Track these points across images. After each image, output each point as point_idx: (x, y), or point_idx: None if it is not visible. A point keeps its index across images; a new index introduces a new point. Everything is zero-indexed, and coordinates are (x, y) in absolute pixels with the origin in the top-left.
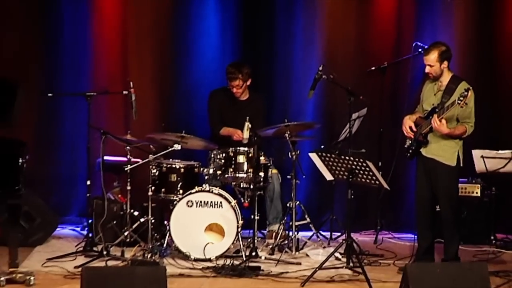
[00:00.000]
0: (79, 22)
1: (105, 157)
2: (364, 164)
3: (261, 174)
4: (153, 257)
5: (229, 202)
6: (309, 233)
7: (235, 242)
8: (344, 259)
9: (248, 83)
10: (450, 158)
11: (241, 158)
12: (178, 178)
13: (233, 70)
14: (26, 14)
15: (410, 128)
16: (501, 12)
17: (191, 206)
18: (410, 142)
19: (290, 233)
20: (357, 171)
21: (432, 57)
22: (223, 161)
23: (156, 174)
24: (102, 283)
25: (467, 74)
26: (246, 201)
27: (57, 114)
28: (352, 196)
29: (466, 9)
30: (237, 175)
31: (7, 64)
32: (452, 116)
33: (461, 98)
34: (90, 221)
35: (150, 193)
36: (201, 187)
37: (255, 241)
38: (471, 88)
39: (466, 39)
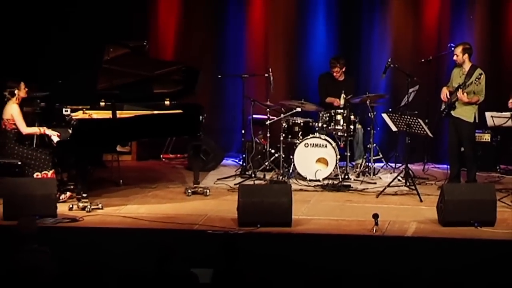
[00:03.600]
0: (238, 25)
1: (254, 116)
2: (417, 121)
3: (351, 127)
4: (283, 178)
5: (331, 144)
6: (381, 164)
7: (334, 169)
8: (403, 181)
9: (343, 69)
10: (469, 117)
11: (339, 117)
12: (299, 129)
13: (334, 61)
14: (205, 20)
15: (446, 95)
16: (505, 24)
17: (307, 146)
18: (444, 107)
19: (369, 164)
20: (412, 125)
21: (458, 50)
22: (327, 118)
23: (285, 126)
24: (251, 194)
25: (483, 63)
26: (342, 144)
27: (224, 88)
28: (409, 141)
29: (482, 21)
30: (336, 127)
31: (194, 57)
32: (470, 91)
33: (477, 79)
34: (244, 155)
35: (281, 138)
36: (313, 135)
37: (347, 168)
38: (483, 72)
39: (482, 39)
